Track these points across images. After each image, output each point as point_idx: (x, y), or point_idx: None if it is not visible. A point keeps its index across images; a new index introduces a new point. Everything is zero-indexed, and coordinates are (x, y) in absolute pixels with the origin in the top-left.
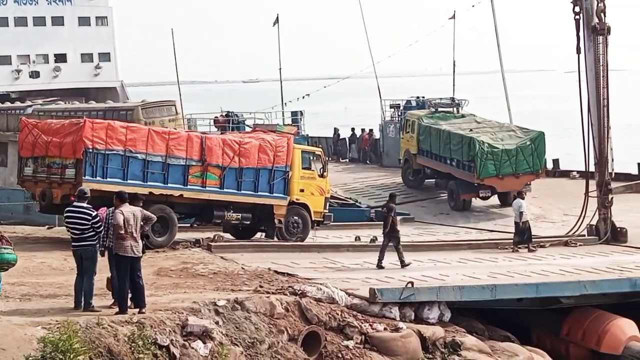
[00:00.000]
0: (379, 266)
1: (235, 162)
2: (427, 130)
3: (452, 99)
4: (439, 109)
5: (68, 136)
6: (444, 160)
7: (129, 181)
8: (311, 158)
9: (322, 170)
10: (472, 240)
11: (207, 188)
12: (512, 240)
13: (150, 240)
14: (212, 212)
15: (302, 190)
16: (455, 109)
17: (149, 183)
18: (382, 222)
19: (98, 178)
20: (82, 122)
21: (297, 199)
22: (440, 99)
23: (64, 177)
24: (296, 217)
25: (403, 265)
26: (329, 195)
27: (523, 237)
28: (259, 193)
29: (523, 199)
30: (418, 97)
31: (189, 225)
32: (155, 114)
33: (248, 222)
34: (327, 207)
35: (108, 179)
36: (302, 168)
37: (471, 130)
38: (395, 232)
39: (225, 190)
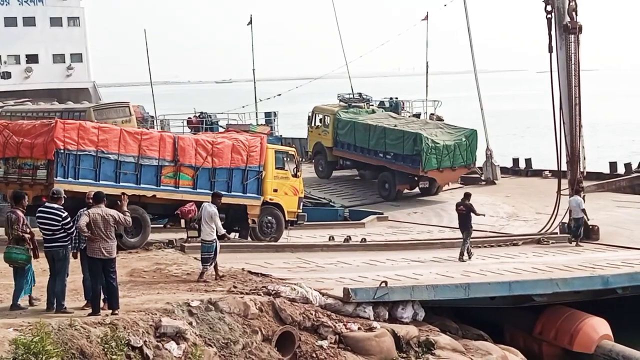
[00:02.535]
0: (461, 259)
1: (209, 163)
2: (351, 125)
3: (360, 94)
4: (352, 104)
5: (39, 137)
6: (374, 154)
7: (101, 182)
8: (285, 158)
9: (295, 170)
10: (445, 239)
11: (180, 188)
12: (569, 237)
13: (124, 241)
14: None
15: (275, 190)
16: (365, 104)
17: (121, 184)
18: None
19: (70, 179)
20: (53, 122)
21: (270, 199)
22: (351, 94)
23: (35, 178)
24: (270, 217)
25: (470, 256)
26: (303, 195)
27: (577, 232)
28: (232, 193)
29: (580, 195)
30: (391, 98)
31: (162, 226)
32: (108, 115)
33: (221, 222)
34: (301, 207)
35: (80, 180)
36: (276, 168)
37: (395, 126)
38: (470, 227)
39: (198, 190)
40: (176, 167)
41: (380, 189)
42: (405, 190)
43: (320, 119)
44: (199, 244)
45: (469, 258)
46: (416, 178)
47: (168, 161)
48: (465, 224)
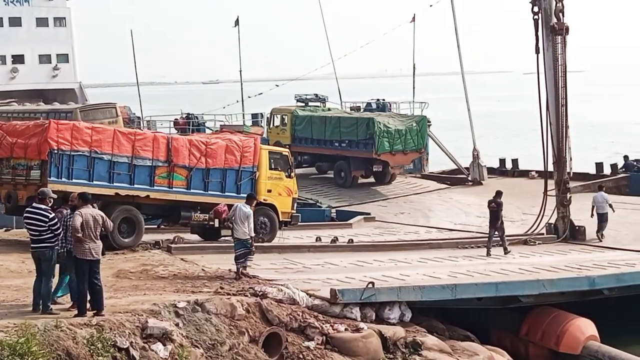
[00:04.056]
0: (488, 254)
1: (202, 163)
2: (308, 119)
3: (316, 94)
4: (309, 104)
5: (33, 137)
6: (329, 144)
7: (94, 182)
8: (278, 159)
9: (289, 170)
10: (432, 239)
11: (174, 189)
12: (597, 232)
13: (117, 241)
14: (179, 213)
15: (269, 191)
16: (322, 103)
17: (115, 184)
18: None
19: (63, 179)
20: (47, 123)
21: (264, 200)
22: (307, 94)
23: (29, 178)
24: (263, 218)
25: (506, 252)
26: (297, 196)
27: (601, 226)
28: (226, 193)
29: (605, 191)
30: (378, 100)
31: (155, 226)
32: (95, 116)
33: (216, 224)
34: (295, 208)
35: (73, 180)
36: (270, 169)
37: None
38: (502, 224)
39: (192, 190)
40: (170, 168)
41: (336, 178)
42: (361, 180)
43: (279, 119)
44: (186, 245)
45: (505, 254)
46: (371, 166)
47: (162, 161)
48: (495, 220)
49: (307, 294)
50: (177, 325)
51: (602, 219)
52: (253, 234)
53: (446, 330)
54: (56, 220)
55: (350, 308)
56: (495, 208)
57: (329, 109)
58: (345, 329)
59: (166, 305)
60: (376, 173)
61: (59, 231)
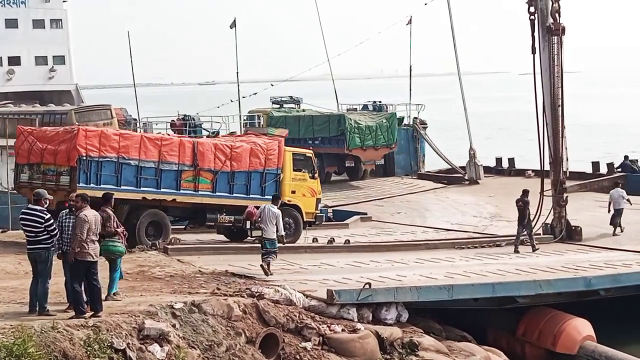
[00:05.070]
0: (516, 251)
1: (227, 166)
2: (282, 119)
3: (291, 96)
4: (284, 105)
5: (62, 144)
6: (304, 142)
7: (122, 187)
8: (302, 160)
9: (312, 172)
10: (429, 240)
11: (200, 192)
12: (613, 226)
13: (144, 243)
14: (205, 215)
15: (293, 192)
16: (296, 105)
17: (142, 188)
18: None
19: (92, 185)
20: (75, 130)
21: (288, 201)
22: (282, 97)
23: (58, 183)
24: (288, 219)
25: (534, 250)
26: (321, 196)
27: (617, 221)
28: (251, 196)
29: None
30: (375, 102)
31: (183, 227)
32: (90, 118)
33: (241, 224)
34: (319, 208)
35: (102, 186)
36: (293, 170)
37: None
38: (529, 222)
39: (217, 193)
40: (196, 172)
41: None
42: (334, 177)
43: (257, 121)
44: (182, 246)
45: (533, 251)
46: (343, 162)
47: (187, 166)
48: (523, 218)
49: (304, 294)
50: (174, 326)
51: (618, 214)
52: (283, 232)
53: (443, 331)
54: (52, 221)
55: (347, 309)
56: (522, 206)
57: (304, 110)
58: (342, 330)
59: (163, 307)
60: (349, 169)
61: (55, 232)
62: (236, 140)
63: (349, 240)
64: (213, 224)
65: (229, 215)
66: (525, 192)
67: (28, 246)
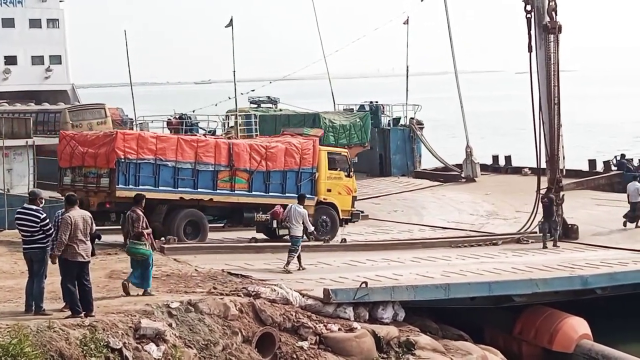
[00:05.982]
0: (545, 247)
1: (263, 166)
2: (260, 118)
3: (269, 96)
4: (261, 105)
5: (102, 147)
6: None
7: (160, 188)
8: (337, 159)
9: (348, 170)
10: (425, 238)
11: (236, 191)
12: (625, 218)
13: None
14: (242, 214)
15: (329, 190)
16: (274, 105)
17: (179, 189)
18: None
19: (131, 186)
20: (114, 133)
21: (324, 199)
22: (260, 97)
23: (99, 185)
24: (324, 217)
25: (555, 245)
26: (357, 194)
27: (634, 214)
28: (287, 194)
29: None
30: (371, 102)
31: (222, 226)
32: (84, 117)
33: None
34: (355, 205)
35: (140, 187)
36: (329, 169)
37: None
38: (555, 219)
39: (253, 193)
40: (232, 172)
41: None
42: None
43: (234, 120)
44: (179, 245)
45: (554, 246)
46: None
47: (224, 166)
48: (550, 215)
49: (301, 293)
50: (170, 325)
51: (635, 208)
52: (312, 229)
53: (439, 330)
54: (48, 220)
55: (344, 308)
56: (547, 203)
57: (281, 110)
58: (339, 329)
59: (159, 306)
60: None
61: (50, 232)
62: (272, 140)
63: (345, 240)
64: (250, 222)
65: (266, 214)
66: (549, 189)
67: (24, 246)
